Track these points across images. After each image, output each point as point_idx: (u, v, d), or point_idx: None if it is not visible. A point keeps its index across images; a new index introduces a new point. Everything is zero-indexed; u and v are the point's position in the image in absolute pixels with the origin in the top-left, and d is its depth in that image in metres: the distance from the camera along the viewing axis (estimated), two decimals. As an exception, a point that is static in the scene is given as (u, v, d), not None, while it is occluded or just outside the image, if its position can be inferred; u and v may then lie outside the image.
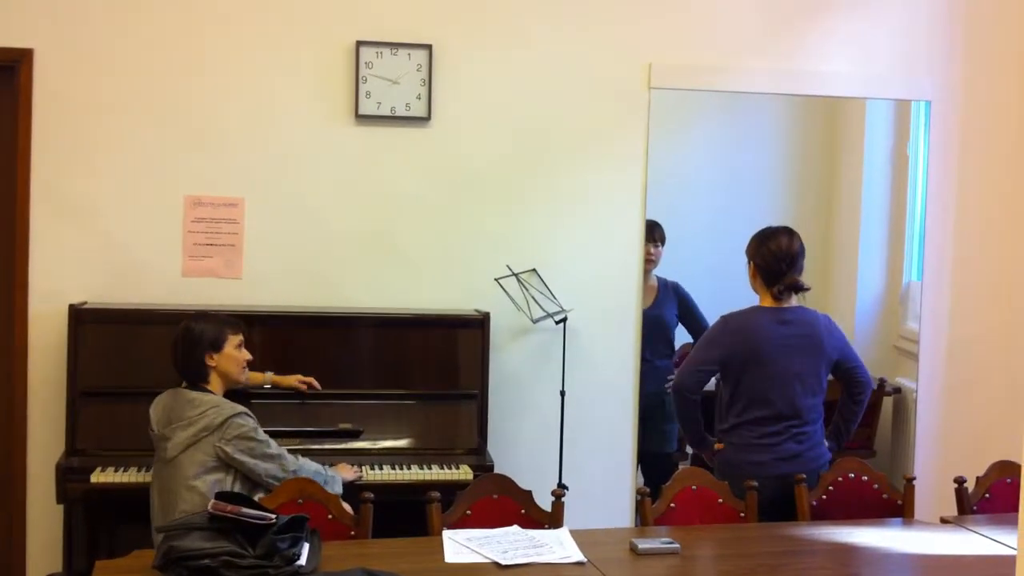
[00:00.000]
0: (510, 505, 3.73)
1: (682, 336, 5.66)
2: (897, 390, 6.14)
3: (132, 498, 4.15)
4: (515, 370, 5.02)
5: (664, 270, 5.64)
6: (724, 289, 4.68)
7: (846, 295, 6.94)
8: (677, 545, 3.42)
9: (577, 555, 3.32)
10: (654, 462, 5.36)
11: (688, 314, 5.58)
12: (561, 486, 4.79)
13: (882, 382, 6.21)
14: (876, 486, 4.14)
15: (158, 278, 4.75)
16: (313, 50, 4.81)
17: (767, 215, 5.62)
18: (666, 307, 5.57)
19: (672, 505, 3.88)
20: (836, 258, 7.06)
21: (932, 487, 5.17)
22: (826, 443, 4.34)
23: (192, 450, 3.86)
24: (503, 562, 3.23)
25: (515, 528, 3.54)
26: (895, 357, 6.31)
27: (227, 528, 3.00)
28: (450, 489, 3.88)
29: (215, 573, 2.88)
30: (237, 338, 4.09)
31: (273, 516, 3.04)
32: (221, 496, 3.08)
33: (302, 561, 3.00)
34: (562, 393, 4.90)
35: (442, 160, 4.93)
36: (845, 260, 6.95)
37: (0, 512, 4.76)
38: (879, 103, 6.44)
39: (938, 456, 5.48)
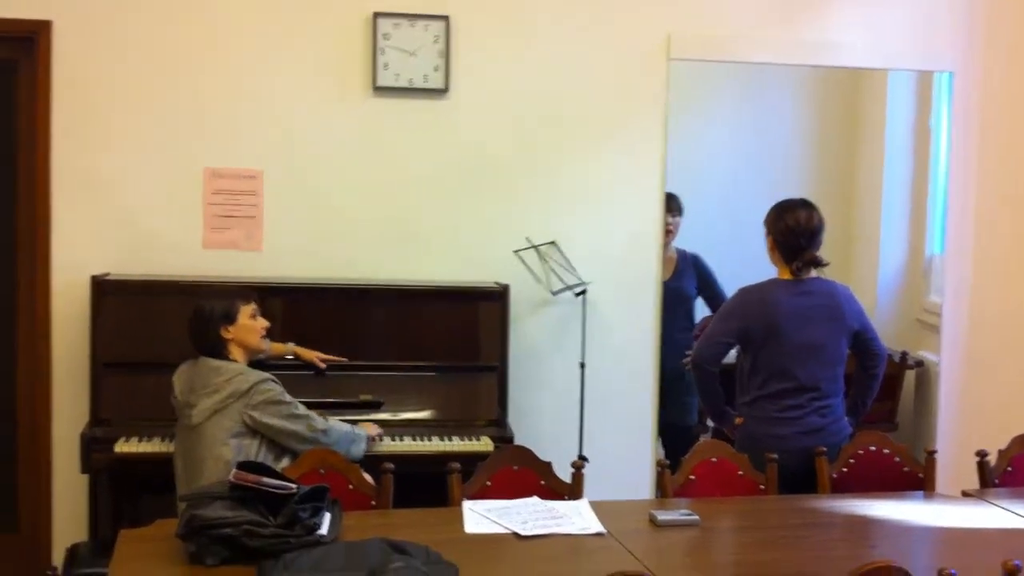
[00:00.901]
0: (530, 476, 3.74)
1: (702, 309, 5.66)
2: (919, 363, 6.12)
3: (156, 467, 4.19)
4: (535, 342, 5.03)
5: (683, 242, 5.63)
6: (743, 261, 4.66)
7: (868, 268, 6.91)
8: (696, 517, 3.41)
9: (596, 526, 3.32)
10: (675, 434, 5.36)
11: (708, 286, 5.58)
12: (581, 458, 4.81)
13: (904, 355, 6.19)
14: (897, 459, 4.12)
15: (179, 250, 4.77)
16: (331, 21, 4.81)
17: (788, 187, 5.58)
18: (685, 279, 5.56)
19: (692, 477, 3.88)
20: (858, 231, 7.03)
21: (954, 460, 5.16)
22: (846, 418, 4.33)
23: (218, 416, 3.89)
24: (522, 532, 3.24)
25: (535, 499, 3.55)
26: (917, 330, 6.29)
27: (249, 498, 3.01)
28: (471, 460, 3.88)
29: (237, 542, 2.89)
30: (250, 307, 4.11)
31: (294, 486, 3.05)
32: (243, 466, 3.09)
33: (323, 530, 3.02)
34: (582, 365, 4.91)
35: (460, 132, 4.93)
36: (867, 233, 6.92)
37: (26, 482, 4.81)
38: (901, 75, 6.38)
39: (960, 429, 5.47)
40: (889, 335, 6.75)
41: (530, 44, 4.95)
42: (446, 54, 4.84)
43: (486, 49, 4.91)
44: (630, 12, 5.01)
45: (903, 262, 6.78)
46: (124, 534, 3.16)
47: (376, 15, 4.78)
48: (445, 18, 4.83)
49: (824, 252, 4.29)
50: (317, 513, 3.07)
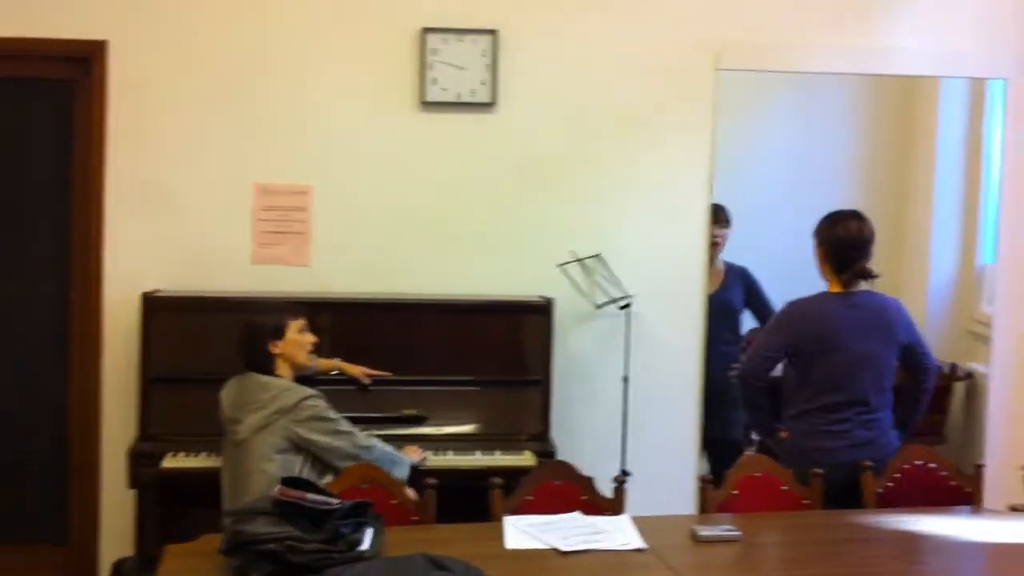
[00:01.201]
0: (572, 491, 3.74)
1: (749, 321, 5.63)
2: (969, 375, 6.05)
3: (204, 483, 4.21)
4: (579, 356, 5.03)
5: (732, 254, 5.61)
6: (793, 274, 4.63)
7: (918, 278, 6.84)
8: (739, 532, 3.40)
9: (638, 542, 3.32)
10: (720, 449, 5.33)
11: (755, 299, 5.55)
12: (624, 472, 4.82)
13: (953, 367, 6.12)
14: (944, 473, 4.08)
15: (229, 265, 4.83)
16: (379, 38, 4.85)
17: (838, 197, 5.55)
18: (733, 291, 5.54)
19: (735, 492, 3.87)
20: (908, 240, 6.97)
21: (1003, 474, 5.08)
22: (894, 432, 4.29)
23: (264, 432, 3.93)
24: (563, 548, 3.25)
25: (576, 514, 3.55)
26: (968, 341, 6.21)
27: (292, 513, 3.04)
28: (513, 475, 3.90)
29: (280, 557, 2.92)
30: (298, 323, 4.15)
31: (337, 501, 3.08)
32: (286, 482, 3.13)
33: (365, 546, 3.04)
34: (625, 379, 4.90)
35: (507, 145, 4.95)
36: (918, 242, 6.85)
37: (76, 496, 4.89)
38: (953, 82, 6.32)
39: (1010, 443, 5.38)
40: (939, 346, 6.66)
41: (576, 57, 4.96)
42: (494, 68, 4.86)
43: (533, 62, 4.93)
44: (677, 22, 5.00)
45: (954, 271, 6.70)
46: (170, 549, 3.21)
47: (425, 31, 4.83)
48: (493, 32, 4.86)
49: (874, 261, 4.25)
50: (359, 528, 3.10)
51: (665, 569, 3.14)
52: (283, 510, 3.05)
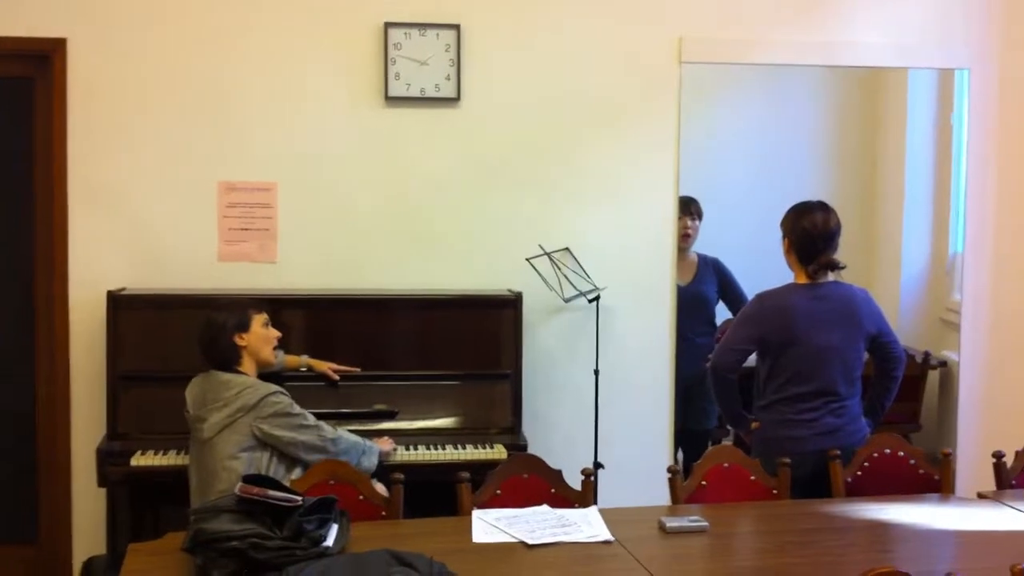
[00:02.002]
0: (540, 484, 3.73)
1: (723, 313, 5.63)
2: (943, 363, 6.06)
3: (173, 480, 4.21)
4: (550, 349, 5.03)
5: (704, 247, 5.60)
6: (764, 265, 4.63)
7: (891, 268, 6.86)
8: (706, 523, 3.40)
9: (605, 534, 3.32)
10: (695, 440, 5.35)
11: (729, 291, 5.55)
12: (596, 465, 4.82)
13: (926, 356, 6.14)
14: (912, 461, 4.09)
15: (194, 263, 4.81)
16: (342, 33, 4.83)
17: (809, 189, 5.56)
18: (706, 283, 5.54)
19: (703, 483, 3.86)
20: (880, 231, 6.98)
21: (974, 461, 5.11)
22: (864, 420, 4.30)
23: (228, 431, 3.92)
24: (530, 541, 3.24)
25: (544, 507, 3.55)
26: (941, 330, 6.23)
27: (255, 510, 3.03)
28: (485, 469, 3.90)
29: (243, 555, 2.90)
30: (261, 317, 4.15)
31: (299, 498, 3.06)
32: (248, 479, 3.11)
33: (329, 542, 3.03)
34: (596, 372, 4.90)
35: (472, 140, 4.94)
36: (890, 232, 6.86)
37: (46, 495, 4.86)
38: (921, 73, 6.33)
39: (980, 430, 5.41)
40: (913, 335, 6.70)
41: (541, 50, 4.95)
42: (457, 63, 4.85)
43: (497, 56, 4.92)
44: (640, 16, 5.00)
45: (926, 261, 6.72)
46: (133, 548, 3.19)
47: (387, 25, 4.80)
48: (456, 27, 4.84)
49: (846, 251, 4.26)
50: (324, 525, 3.08)
51: (631, 561, 3.13)
52: (246, 507, 3.04)
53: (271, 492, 3.04)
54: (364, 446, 4.15)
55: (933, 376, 6.21)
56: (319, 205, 4.88)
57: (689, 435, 5.37)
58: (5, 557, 4.88)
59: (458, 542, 3.27)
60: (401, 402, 4.60)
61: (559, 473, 3.78)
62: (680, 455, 5.33)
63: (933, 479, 4.05)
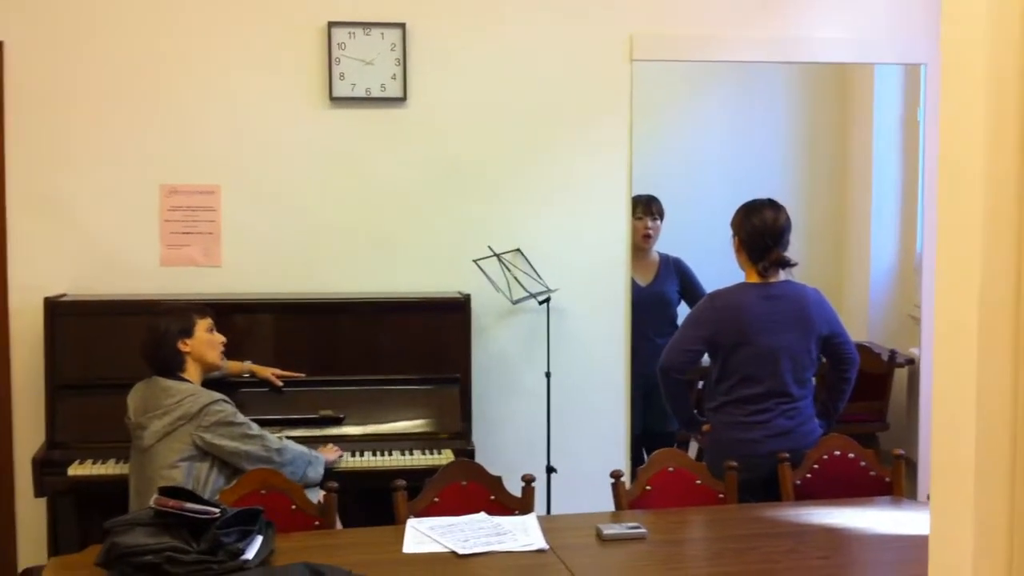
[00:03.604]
0: (480, 491, 3.66)
1: (685, 313, 5.56)
2: (911, 361, 6.01)
3: (114, 490, 4.12)
4: (503, 352, 4.95)
5: (669, 247, 5.54)
6: (732, 266, 4.55)
7: (860, 264, 6.82)
8: (644, 530, 3.33)
9: (540, 542, 3.24)
10: (658, 442, 5.25)
11: (689, 290, 5.49)
12: (549, 469, 4.75)
13: (892, 353, 6.09)
14: (863, 463, 4.02)
15: (136, 268, 4.73)
16: (284, 33, 4.75)
17: (776, 187, 5.50)
18: (667, 283, 5.47)
19: (648, 488, 3.79)
20: (849, 227, 6.94)
21: (934, 462, 5.03)
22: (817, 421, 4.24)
23: (168, 439, 3.84)
24: (461, 551, 3.17)
25: (482, 515, 3.47)
26: (910, 327, 6.18)
27: (173, 523, 2.96)
28: (432, 475, 3.81)
29: (158, 569, 2.84)
30: (206, 322, 4.07)
31: (217, 510, 2.99)
32: (164, 491, 3.04)
33: (249, 555, 2.96)
34: (547, 374, 4.81)
35: (420, 141, 4.85)
36: (858, 229, 6.82)
37: (-10, 506, 4.79)
38: (887, 69, 6.28)
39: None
40: (882, 332, 6.67)
41: (489, 49, 4.87)
42: (403, 62, 4.77)
43: (444, 55, 4.84)
44: (590, 14, 4.91)
45: (894, 258, 6.68)
46: (52, 562, 3.14)
47: (330, 24, 4.72)
48: (401, 26, 4.76)
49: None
50: (245, 537, 3.01)
51: (563, 570, 3.06)
52: (163, 520, 2.97)
53: (188, 504, 2.97)
54: (310, 456, 4.06)
55: (901, 374, 6.16)
56: (264, 208, 4.79)
57: (652, 437, 5.31)
58: (-51, 569, 4.81)
59: (388, 552, 3.20)
60: (348, 407, 4.52)
61: (499, 480, 3.71)
62: (646, 457, 5.25)
63: (885, 481, 3.98)
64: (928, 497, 3.52)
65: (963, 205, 1.38)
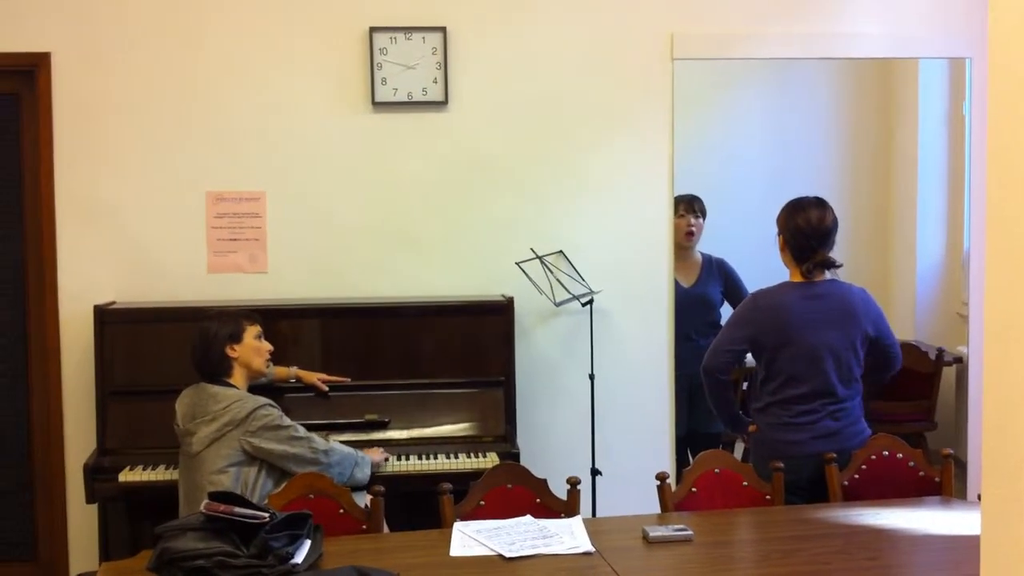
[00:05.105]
0: (525, 494, 3.66)
1: (728, 314, 5.53)
2: (959, 360, 5.94)
3: (165, 495, 4.16)
4: (545, 354, 4.95)
5: (712, 246, 5.51)
6: (776, 265, 4.52)
7: (906, 263, 6.74)
8: (690, 532, 3.32)
9: (586, 545, 3.24)
10: (702, 443, 5.23)
11: (733, 291, 5.46)
12: (594, 472, 4.74)
13: (940, 352, 6.02)
14: (912, 463, 3.97)
15: (184, 275, 4.78)
16: (327, 39, 4.78)
17: (820, 185, 5.45)
18: (710, 285, 5.45)
19: (693, 490, 3.78)
20: (895, 225, 6.87)
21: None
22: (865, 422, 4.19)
23: (217, 444, 3.88)
24: (507, 554, 3.17)
25: (527, 518, 3.47)
26: (957, 325, 6.12)
27: (223, 528, 2.98)
28: (477, 478, 3.82)
29: (209, 573, 2.86)
30: (255, 329, 4.10)
31: (267, 515, 3.01)
32: (214, 496, 3.06)
33: (298, 559, 2.98)
34: (591, 376, 4.81)
35: (461, 144, 4.87)
36: (904, 227, 6.75)
37: (43, 512, 4.85)
38: (932, 63, 6.21)
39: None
40: (929, 330, 6.59)
41: (529, 51, 4.88)
42: (444, 66, 4.79)
43: (485, 58, 4.85)
44: (630, 13, 4.91)
45: (941, 255, 6.60)
46: (104, 567, 3.16)
47: (372, 30, 4.75)
48: (442, 29, 4.78)
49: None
50: (294, 541, 3.03)
51: (610, 573, 3.06)
52: (213, 525, 2.99)
53: (237, 509, 2.99)
54: (357, 457, 4.09)
55: (948, 372, 6.08)
56: (308, 213, 4.83)
57: (697, 438, 5.27)
58: (4, 575, 4.86)
59: (434, 556, 3.21)
60: (393, 411, 4.54)
61: (544, 482, 3.70)
62: (691, 458, 5.23)
63: (934, 481, 3.94)
64: (978, 497, 3.49)
65: (1012, 200, 1.36)
